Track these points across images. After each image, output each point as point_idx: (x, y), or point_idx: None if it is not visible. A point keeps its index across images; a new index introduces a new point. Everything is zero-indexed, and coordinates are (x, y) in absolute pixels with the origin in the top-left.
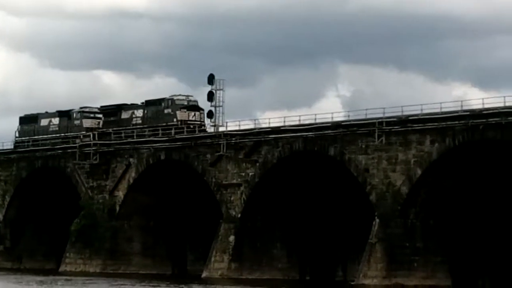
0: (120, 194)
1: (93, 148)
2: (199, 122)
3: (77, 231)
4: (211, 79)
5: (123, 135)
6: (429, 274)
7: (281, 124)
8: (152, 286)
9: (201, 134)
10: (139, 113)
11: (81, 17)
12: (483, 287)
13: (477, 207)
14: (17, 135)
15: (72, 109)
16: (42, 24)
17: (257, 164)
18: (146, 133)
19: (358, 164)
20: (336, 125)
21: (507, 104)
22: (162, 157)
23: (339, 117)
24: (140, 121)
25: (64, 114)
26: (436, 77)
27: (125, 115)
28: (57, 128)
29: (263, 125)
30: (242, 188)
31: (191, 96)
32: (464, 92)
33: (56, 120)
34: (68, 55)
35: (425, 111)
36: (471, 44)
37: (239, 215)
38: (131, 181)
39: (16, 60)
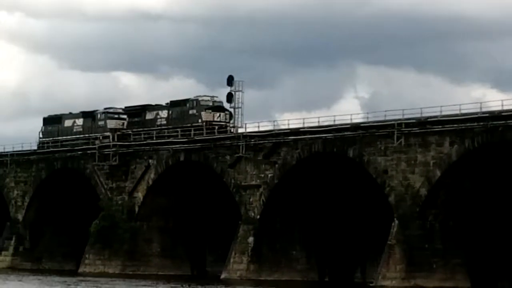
0: (139, 195)
1: (113, 150)
2: (224, 123)
3: (96, 232)
4: (230, 81)
5: (142, 136)
6: (448, 276)
7: (300, 125)
8: (171, 287)
9: (221, 136)
10: (163, 114)
11: (101, 18)
12: None
13: (496, 209)
14: (40, 135)
15: (96, 110)
16: (61, 26)
17: (276, 165)
18: (170, 134)
19: (377, 166)
20: (355, 126)
21: None
22: (182, 159)
23: (358, 118)
24: (164, 122)
25: (88, 115)
26: (454, 78)
27: (149, 115)
28: (81, 129)
29: (282, 127)
30: (261, 189)
31: (216, 96)
32: (483, 93)
33: (80, 121)
34: (88, 56)
35: (444, 113)
36: (489, 46)
37: (258, 217)
38: (150, 182)
39: (36, 62)
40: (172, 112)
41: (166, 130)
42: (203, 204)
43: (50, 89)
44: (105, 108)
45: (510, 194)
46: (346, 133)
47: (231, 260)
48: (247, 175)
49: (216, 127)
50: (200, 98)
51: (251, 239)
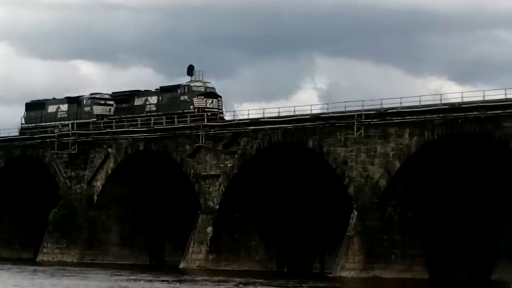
0: (98, 184)
1: (72, 138)
2: (216, 110)
3: (55, 221)
4: (190, 70)
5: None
6: (406, 267)
7: (260, 115)
8: (130, 276)
9: (180, 125)
10: (153, 100)
11: (60, 6)
12: (460, 280)
13: (455, 201)
14: (23, 121)
15: (82, 96)
16: (20, 14)
17: (236, 155)
18: (161, 120)
19: (336, 157)
20: (315, 117)
21: (486, 98)
22: (141, 148)
23: (318, 109)
24: (154, 108)
25: (74, 101)
26: (412, 70)
27: (138, 101)
28: (65, 115)
29: (242, 117)
30: (220, 179)
31: (209, 82)
32: (441, 85)
33: (64, 107)
34: (47, 44)
35: (404, 104)
36: (447, 38)
37: (217, 207)
38: (110, 171)
39: None
40: (162, 98)
41: (156, 117)
42: (162, 193)
43: (8, 76)
44: (91, 94)
45: (468, 186)
46: (306, 123)
47: (190, 249)
48: (207, 165)
49: (209, 114)
50: (192, 84)
51: (210, 228)
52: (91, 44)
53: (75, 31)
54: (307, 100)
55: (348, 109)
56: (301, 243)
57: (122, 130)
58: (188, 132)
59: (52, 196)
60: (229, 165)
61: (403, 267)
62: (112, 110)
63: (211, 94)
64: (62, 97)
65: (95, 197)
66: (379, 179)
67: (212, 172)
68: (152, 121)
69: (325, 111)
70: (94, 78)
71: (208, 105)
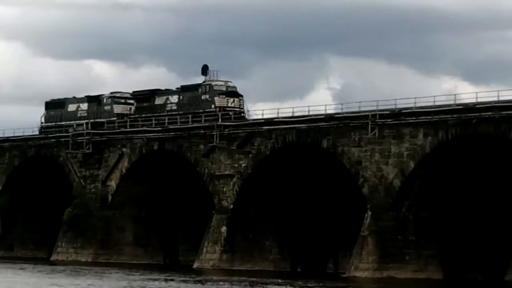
0: (113, 183)
1: (86, 138)
2: (238, 109)
3: (69, 220)
4: (205, 70)
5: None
6: (420, 267)
7: (275, 115)
8: (144, 275)
9: (194, 125)
10: (174, 99)
11: (73, 6)
12: (474, 281)
13: (469, 201)
14: (42, 121)
15: (103, 94)
16: (33, 13)
17: (250, 155)
18: (181, 119)
19: (351, 157)
20: (330, 117)
21: (501, 98)
22: (155, 147)
23: (332, 109)
24: (175, 107)
25: (94, 100)
26: (426, 70)
27: (159, 101)
28: (85, 114)
29: (256, 117)
30: (234, 179)
31: (230, 81)
32: (455, 85)
33: (84, 106)
34: (60, 44)
35: (418, 105)
36: (461, 38)
37: (231, 206)
38: (124, 171)
39: (8, 49)
40: (183, 97)
41: (177, 116)
42: (176, 193)
43: (21, 76)
44: (112, 93)
45: (482, 186)
46: (320, 123)
47: (204, 249)
48: (221, 164)
49: (231, 113)
50: (213, 83)
51: (224, 228)
52: (104, 44)
53: (88, 31)
54: (321, 100)
55: (362, 109)
56: (315, 243)
57: (137, 129)
58: (203, 131)
59: (66, 195)
60: (243, 165)
61: (417, 267)
62: (132, 109)
63: (233, 93)
64: (82, 96)
65: (110, 197)
66: (393, 179)
67: (226, 172)
68: (178, 119)
69: (339, 111)
70: (108, 78)
71: (229, 104)
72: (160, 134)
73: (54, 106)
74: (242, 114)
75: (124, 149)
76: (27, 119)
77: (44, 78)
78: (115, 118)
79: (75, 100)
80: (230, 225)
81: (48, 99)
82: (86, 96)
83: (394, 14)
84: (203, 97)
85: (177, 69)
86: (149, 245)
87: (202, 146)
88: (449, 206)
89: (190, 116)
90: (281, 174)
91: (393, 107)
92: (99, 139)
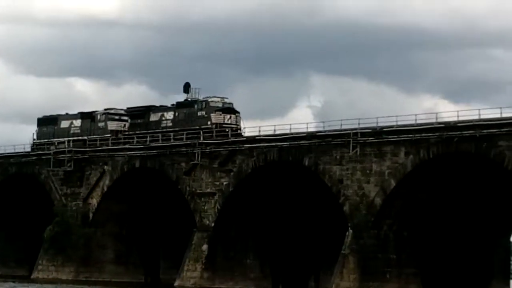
0: (94, 201)
1: (68, 155)
2: (235, 126)
3: (50, 238)
4: (187, 88)
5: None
6: (401, 286)
7: (256, 133)
8: None
9: (176, 143)
10: (169, 115)
11: (54, 24)
12: None
13: (450, 219)
14: (35, 137)
15: (96, 111)
16: (15, 31)
17: (232, 173)
18: (178, 136)
19: (332, 175)
20: (311, 135)
21: (482, 117)
22: (137, 165)
23: (314, 127)
24: (170, 124)
25: (87, 116)
26: (406, 88)
27: (154, 117)
28: (79, 131)
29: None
30: (216, 197)
31: (226, 98)
32: (435, 104)
33: (78, 122)
34: (43, 61)
35: (399, 123)
36: (441, 56)
37: (213, 224)
38: (105, 188)
39: None
40: (178, 113)
41: (172, 133)
42: (158, 211)
43: (4, 93)
44: (106, 109)
45: (463, 205)
46: (301, 141)
47: (185, 267)
48: (202, 182)
49: (227, 130)
50: (209, 99)
51: (205, 246)
52: (86, 61)
53: (70, 48)
54: (302, 118)
55: (344, 127)
56: (296, 261)
57: (118, 147)
58: (184, 149)
59: (47, 213)
60: (224, 183)
61: (398, 285)
62: (127, 126)
63: (229, 109)
64: (75, 112)
65: (91, 215)
66: (374, 197)
67: (208, 190)
68: (172, 136)
69: (320, 129)
70: (90, 95)
71: (226, 121)
72: (142, 151)
73: (47, 122)
74: (238, 131)
75: (105, 167)
76: (8, 137)
77: (25, 95)
78: (109, 135)
79: (68, 116)
80: (211, 243)
81: (40, 116)
82: (79, 113)
83: (375, 32)
84: (199, 113)
85: (159, 86)
86: (130, 263)
87: (183, 164)
88: (430, 224)
89: (185, 132)
90: (262, 192)
91: (374, 125)
92: (80, 156)
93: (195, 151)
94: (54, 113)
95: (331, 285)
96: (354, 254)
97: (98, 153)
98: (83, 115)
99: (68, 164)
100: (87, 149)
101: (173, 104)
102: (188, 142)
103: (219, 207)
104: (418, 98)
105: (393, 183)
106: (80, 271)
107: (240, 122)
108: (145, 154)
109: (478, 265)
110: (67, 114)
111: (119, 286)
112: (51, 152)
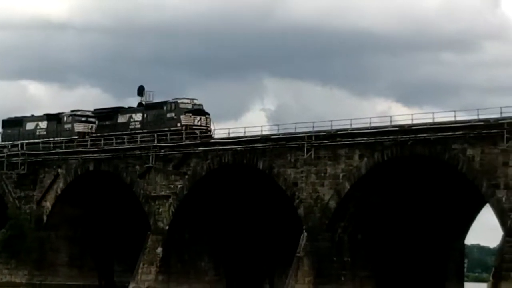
0: (48, 204)
1: (21, 158)
2: (205, 127)
3: (4, 241)
4: (141, 91)
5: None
6: None
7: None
8: None
9: (131, 146)
10: (137, 117)
11: (7, 27)
12: None
13: (404, 222)
14: None
15: (62, 113)
16: None
17: (186, 176)
18: (147, 138)
19: (287, 178)
20: (266, 138)
21: (436, 120)
22: (91, 168)
23: (268, 130)
24: (139, 126)
25: (53, 118)
26: (359, 91)
27: (122, 119)
28: (44, 132)
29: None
30: (170, 200)
31: (196, 99)
32: (388, 107)
33: (43, 124)
34: None
35: (354, 126)
36: (393, 60)
37: (167, 227)
38: (59, 191)
39: None
40: (147, 115)
41: (140, 135)
42: (112, 214)
43: None
44: (72, 111)
45: (417, 208)
46: (256, 145)
47: (139, 270)
48: (157, 185)
49: (198, 132)
50: (179, 101)
51: (159, 249)
52: (38, 64)
53: (23, 51)
54: (255, 121)
55: (298, 130)
56: (250, 264)
57: (72, 150)
58: (138, 152)
59: (1, 216)
60: (179, 186)
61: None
62: (94, 128)
63: (199, 111)
64: (41, 114)
65: (45, 218)
66: (329, 200)
67: (162, 193)
68: (139, 138)
69: (275, 132)
70: (42, 99)
71: (196, 123)
72: (96, 155)
73: (12, 124)
74: (209, 133)
75: (59, 170)
76: None
77: None
78: (76, 137)
79: (33, 118)
80: (166, 246)
81: (5, 117)
82: (45, 114)
83: (327, 36)
84: (168, 115)
85: (112, 89)
86: (84, 266)
87: (138, 167)
88: (385, 227)
89: (155, 134)
90: (217, 195)
91: (329, 128)
92: (34, 159)
93: (149, 154)
94: (12, 116)
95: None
96: (309, 257)
97: (51, 156)
98: (49, 117)
99: (22, 167)
100: (41, 152)
101: (141, 106)
102: (142, 145)
103: (173, 210)
104: (371, 102)
105: (347, 186)
106: (34, 274)
107: (210, 124)
108: (99, 157)
109: (433, 268)
110: (32, 116)
111: None
112: (5, 154)
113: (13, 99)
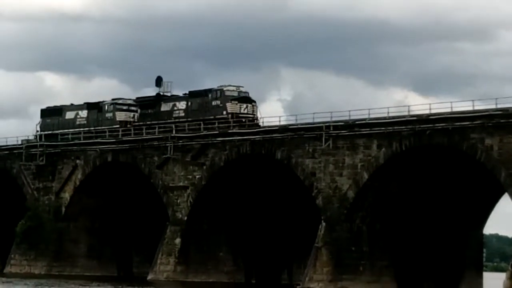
0: (66, 195)
1: (40, 149)
2: (251, 115)
3: (23, 233)
4: (159, 82)
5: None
6: (374, 278)
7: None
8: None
9: (149, 136)
10: (181, 105)
11: (24, 18)
12: None
13: (423, 212)
14: (38, 129)
15: (103, 101)
16: None
17: (204, 167)
18: (192, 126)
19: (305, 168)
20: (284, 128)
21: (454, 109)
22: (109, 159)
23: (286, 120)
24: (183, 114)
25: (94, 107)
26: (375, 81)
27: (165, 107)
28: (85, 122)
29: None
30: (188, 190)
31: (242, 86)
32: (405, 96)
33: (84, 113)
34: (12, 56)
35: (372, 116)
36: (409, 50)
37: (186, 218)
38: (78, 182)
39: None
40: (191, 103)
41: (185, 123)
42: (130, 205)
43: None
44: (113, 99)
45: (436, 197)
46: (274, 135)
47: (158, 261)
48: (175, 176)
49: (244, 120)
50: (224, 88)
51: (178, 240)
52: (56, 56)
53: (40, 42)
54: (272, 111)
55: (316, 120)
56: (269, 254)
57: (90, 141)
58: (156, 143)
59: (20, 207)
60: (197, 176)
61: (371, 278)
62: (136, 116)
63: (246, 98)
64: (81, 102)
65: (63, 209)
66: (347, 190)
67: (181, 184)
68: (187, 126)
69: (293, 122)
70: (60, 90)
71: (242, 111)
72: (114, 145)
73: (51, 113)
74: (256, 121)
75: (78, 161)
76: None
77: None
78: (117, 126)
79: (73, 107)
80: (184, 236)
81: (43, 107)
82: (85, 103)
83: (343, 26)
84: (213, 103)
85: (129, 80)
86: (102, 257)
87: (156, 158)
88: (403, 217)
89: (201, 123)
90: (235, 185)
91: (347, 118)
92: (52, 151)
93: (167, 144)
94: (52, 105)
95: (304, 278)
96: (327, 247)
97: (70, 147)
98: (89, 106)
99: (40, 159)
100: (59, 143)
101: (185, 93)
102: (160, 136)
103: (191, 201)
104: (387, 91)
105: (365, 176)
106: (53, 265)
107: (256, 111)
108: (117, 148)
109: (451, 257)
110: (72, 104)
111: (92, 280)
112: (23, 146)
113: (30, 90)
